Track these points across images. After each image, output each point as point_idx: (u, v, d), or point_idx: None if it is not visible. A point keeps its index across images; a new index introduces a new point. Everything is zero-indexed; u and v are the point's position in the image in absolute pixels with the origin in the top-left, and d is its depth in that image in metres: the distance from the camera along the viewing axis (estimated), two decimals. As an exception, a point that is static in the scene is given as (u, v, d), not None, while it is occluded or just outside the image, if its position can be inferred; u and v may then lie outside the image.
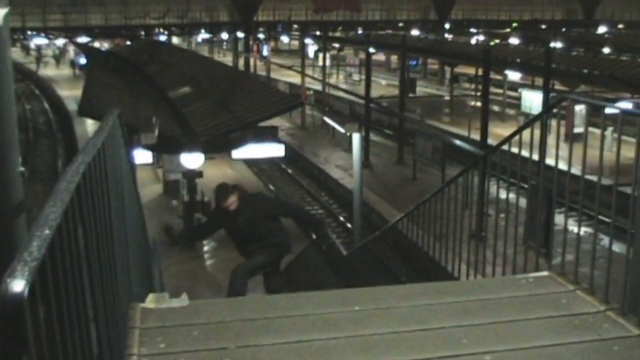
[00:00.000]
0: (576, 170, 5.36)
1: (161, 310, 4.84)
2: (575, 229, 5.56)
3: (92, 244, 2.95)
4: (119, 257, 4.00)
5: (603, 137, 5.29)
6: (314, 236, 22.07)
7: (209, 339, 4.41)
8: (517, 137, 6.32)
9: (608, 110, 5.32)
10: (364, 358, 4.18)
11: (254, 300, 5.41)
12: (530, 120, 6.40)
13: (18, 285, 1.70)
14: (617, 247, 5.25)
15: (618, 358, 4.26)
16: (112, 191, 3.86)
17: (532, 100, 36.51)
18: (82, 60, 58.98)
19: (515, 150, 6.23)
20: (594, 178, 5.13)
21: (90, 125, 36.01)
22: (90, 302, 2.74)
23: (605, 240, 5.45)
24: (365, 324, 4.64)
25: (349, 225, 25.50)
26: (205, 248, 22.56)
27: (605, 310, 4.88)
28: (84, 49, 59.55)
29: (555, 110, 6.66)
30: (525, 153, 6.10)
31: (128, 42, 62.73)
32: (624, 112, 4.90)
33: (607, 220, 5.45)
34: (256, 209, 10.40)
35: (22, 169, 3.79)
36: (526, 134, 6.24)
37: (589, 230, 6.67)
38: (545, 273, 5.64)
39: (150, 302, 4.93)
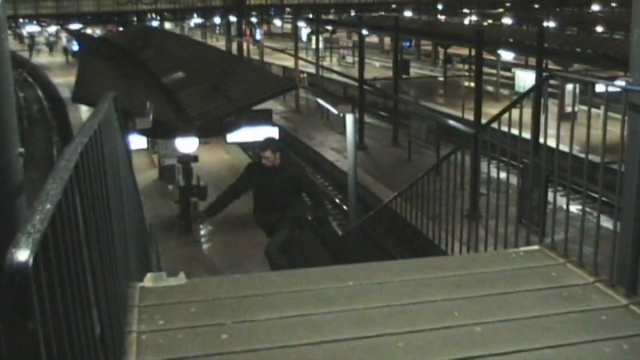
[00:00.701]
0: (567, 148, 5.44)
1: (159, 288, 4.94)
2: (567, 206, 5.65)
3: (91, 220, 3.04)
4: (117, 236, 4.09)
5: (590, 114, 5.38)
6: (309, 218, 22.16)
7: (206, 316, 4.51)
8: (508, 116, 6.41)
9: (599, 89, 5.38)
10: (358, 331, 4.28)
11: (249, 278, 5.50)
12: (517, 98, 6.49)
13: (23, 255, 1.79)
14: (607, 222, 5.35)
15: (605, 326, 4.36)
16: (109, 171, 3.95)
17: (526, 80, 36.57)
18: (75, 47, 58.88)
19: (507, 129, 6.32)
20: (584, 156, 5.22)
21: (84, 112, 36.03)
22: (90, 276, 2.83)
23: (596, 215, 5.55)
24: (359, 298, 4.74)
25: (344, 207, 25.60)
26: (202, 232, 22.65)
27: (594, 282, 4.99)
28: (76, 35, 59.41)
29: (550, 90, 6.74)
30: (517, 132, 6.19)
31: (120, 29, 62.58)
32: (625, 90, 4.96)
33: (597, 196, 5.55)
34: (294, 174, 10.45)
35: (21, 149, 3.87)
36: (521, 113, 6.31)
37: (580, 206, 6.76)
38: (536, 247, 5.75)
39: (148, 281, 5.03)
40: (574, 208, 5.65)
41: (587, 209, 5.45)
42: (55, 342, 2.05)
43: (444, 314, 4.49)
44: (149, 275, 5.11)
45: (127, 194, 5.28)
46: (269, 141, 10.49)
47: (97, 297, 3.08)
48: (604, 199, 5.50)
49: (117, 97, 5.20)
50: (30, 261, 1.79)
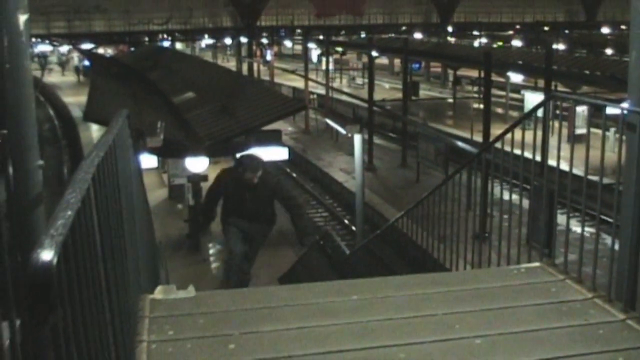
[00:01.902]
0: (576, 170, 5.58)
1: (169, 300, 5.09)
2: (572, 226, 5.78)
3: (106, 230, 3.19)
4: (129, 248, 4.24)
5: (589, 134, 5.51)
6: (317, 237, 22.30)
7: (214, 327, 4.65)
8: (517, 138, 6.52)
9: (609, 111, 5.49)
10: (361, 343, 4.42)
11: (256, 292, 5.66)
12: (520, 118, 6.63)
13: (47, 255, 1.96)
14: (608, 240, 5.47)
15: (603, 340, 4.49)
16: (122, 185, 4.11)
17: (535, 102, 36.69)
18: (86, 67, 59.34)
19: (516, 150, 6.44)
20: (593, 178, 5.37)
21: (95, 131, 36.29)
22: (104, 282, 2.99)
23: (600, 234, 5.68)
24: (362, 311, 4.88)
25: (353, 228, 25.70)
26: (211, 251, 22.78)
27: (593, 297, 5.12)
28: (88, 55, 59.89)
29: (557, 112, 6.87)
30: (525, 153, 6.33)
31: (132, 49, 63.05)
32: (622, 110, 5.11)
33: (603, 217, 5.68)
34: (271, 190, 10.71)
35: (40, 162, 4.04)
36: (530, 135, 6.42)
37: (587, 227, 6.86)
38: (536, 264, 5.88)
39: (158, 293, 5.18)
40: (579, 228, 5.75)
41: (589, 228, 5.57)
42: (73, 339, 2.20)
43: (445, 327, 4.62)
44: (159, 287, 5.26)
45: (138, 209, 5.43)
46: (256, 161, 10.58)
47: (110, 304, 3.23)
48: (605, 217, 5.64)
49: (130, 115, 5.36)
50: (55, 261, 1.95)
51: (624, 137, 5.23)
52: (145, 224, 6.66)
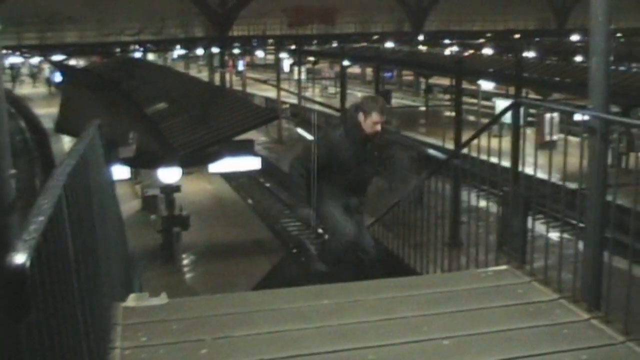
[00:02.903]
0: (547, 176, 5.69)
1: (142, 308, 5.14)
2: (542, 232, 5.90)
3: (78, 236, 3.25)
4: (101, 255, 4.30)
5: (552, 141, 5.62)
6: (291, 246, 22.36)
7: (187, 332, 4.72)
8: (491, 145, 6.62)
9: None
10: (332, 346, 4.50)
11: (229, 297, 5.74)
12: (486, 125, 6.76)
13: (21, 258, 2.03)
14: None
15: (568, 339, 4.60)
16: (94, 193, 4.17)
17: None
18: (58, 78, 59.04)
19: (486, 157, 6.54)
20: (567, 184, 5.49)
21: (67, 143, 36.15)
22: (77, 287, 3.05)
23: (564, 236, 5.79)
24: (334, 315, 4.97)
25: (327, 236, 25.70)
26: (185, 262, 22.78)
27: (558, 298, 5.24)
28: (59, 66, 59.61)
29: (530, 119, 6.98)
30: (496, 159, 6.45)
31: (105, 60, 62.88)
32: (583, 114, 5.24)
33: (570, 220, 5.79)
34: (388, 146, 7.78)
35: (13, 171, 4.09)
36: (504, 142, 6.54)
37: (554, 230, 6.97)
38: (504, 267, 6.00)
39: (131, 301, 5.23)
40: (549, 233, 5.87)
41: (556, 233, 5.68)
42: (47, 342, 2.27)
43: (415, 329, 4.72)
44: (131, 295, 5.32)
45: (111, 217, 5.49)
46: (381, 100, 7.63)
47: (83, 310, 3.29)
48: (571, 220, 5.76)
49: (102, 126, 5.42)
50: (28, 263, 2.02)
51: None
52: (118, 233, 6.70)
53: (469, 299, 5.28)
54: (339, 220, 7.67)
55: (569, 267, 5.36)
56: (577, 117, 5.05)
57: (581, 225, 5.35)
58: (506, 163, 6.93)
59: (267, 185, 35.73)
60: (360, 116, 7.27)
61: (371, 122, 7.21)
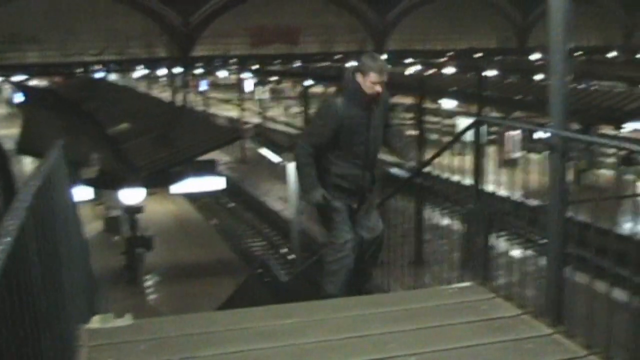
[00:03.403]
0: (508, 193, 5.77)
1: (107, 329, 5.12)
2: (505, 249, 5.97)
3: (43, 259, 3.25)
4: (66, 276, 4.29)
5: (505, 151, 5.70)
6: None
7: (154, 353, 4.71)
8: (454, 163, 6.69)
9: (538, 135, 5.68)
10: (298, 364, 4.52)
11: (194, 317, 5.72)
12: (448, 143, 6.82)
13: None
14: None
15: (531, 354, 4.66)
16: (58, 214, 4.16)
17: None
18: (19, 99, 58.54)
19: (449, 175, 6.61)
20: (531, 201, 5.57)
21: (28, 164, 35.87)
22: (42, 307, 3.04)
23: (527, 252, 5.87)
24: (299, 334, 4.98)
25: (291, 256, 25.76)
26: (149, 283, 22.67)
27: (521, 314, 5.30)
28: (20, 87, 59.16)
29: (493, 137, 7.04)
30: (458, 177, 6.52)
31: (67, 80, 62.50)
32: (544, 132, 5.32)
33: (532, 237, 5.87)
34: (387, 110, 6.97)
35: None
36: (467, 160, 6.56)
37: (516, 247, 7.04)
38: (468, 283, 6.06)
39: (96, 322, 5.20)
40: (512, 250, 5.94)
41: (519, 250, 5.75)
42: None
43: (381, 346, 4.74)
44: (96, 317, 5.29)
45: (74, 238, 5.47)
46: (381, 61, 6.67)
47: (49, 331, 3.27)
48: (531, 236, 5.83)
49: (65, 146, 5.41)
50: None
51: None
52: (82, 255, 6.67)
53: (434, 315, 5.32)
54: (338, 227, 6.72)
55: (532, 283, 5.43)
56: (538, 134, 5.14)
57: (543, 241, 5.42)
58: (469, 181, 7.04)
59: (231, 205, 35.67)
60: (359, 77, 6.55)
61: (370, 83, 6.48)
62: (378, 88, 6.47)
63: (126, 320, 5.27)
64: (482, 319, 5.24)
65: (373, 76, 6.46)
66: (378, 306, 5.58)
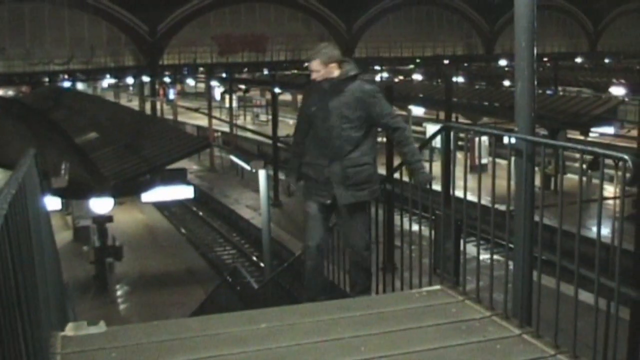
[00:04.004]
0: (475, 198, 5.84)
1: (80, 337, 5.14)
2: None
3: (18, 267, 3.27)
4: (40, 284, 4.31)
5: (473, 157, 5.78)
6: (227, 275, 22.35)
7: (127, 360, 4.74)
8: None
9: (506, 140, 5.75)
10: (270, 369, 4.58)
11: (167, 324, 5.75)
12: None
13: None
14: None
15: (500, 354, 4.75)
16: (32, 223, 4.18)
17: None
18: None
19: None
20: (499, 206, 5.64)
21: (-5, 174, 35.60)
22: (19, 317, 3.07)
23: (495, 256, 5.96)
24: (272, 339, 5.03)
25: (261, 264, 25.76)
26: (119, 293, 22.57)
27: (490, 315, 5.39)
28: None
29: (461, 143, 7.11)
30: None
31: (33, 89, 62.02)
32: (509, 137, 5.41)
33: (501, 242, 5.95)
34: (356, 92, 6.66)
35: None
36: (436, 166, 6.66)
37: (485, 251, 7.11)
38: (437, 287, 6.15)
39: (69, 330, 5.22)
40: (482, 255, 6.00)
41: (486, 255, 5.84)
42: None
43: (351, 349, 4.81)
44: (70, 324, 5.31)
45: (47, 247, 5.48)
46: (317, 48, 6.77)
47: (25, 339, 3.30)
48: (500, 241, 5.91)
49: (37, 155, 5.42)
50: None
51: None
52: (54, 263, 6.68)
53: (404, 318, 5.40)
54: (307, 225, 6.78)
55: (500, 286, 5.51)
56: (506, 140, 5.23)
57: (511, 245, 5.51)
58: (437, 187, 7.15)
59: (200, 213, 35.62)
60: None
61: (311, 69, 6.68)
62: (313, 75, 6.62)
63: (100, 327, 5.30)
64: (451, 321, 5.33)
65: (310, 64, 6.69)
66: (348, 310, 5.65)
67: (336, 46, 7.06)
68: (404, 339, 5.00)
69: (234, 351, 4.83)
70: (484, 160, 29.86)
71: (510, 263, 5.52)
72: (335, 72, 6.63)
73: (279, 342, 4.96)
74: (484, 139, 32.32)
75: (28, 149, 5.06)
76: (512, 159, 5.45)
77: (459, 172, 6.26)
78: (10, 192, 3.30)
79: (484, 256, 6.02)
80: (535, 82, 5.47)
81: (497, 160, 5.93)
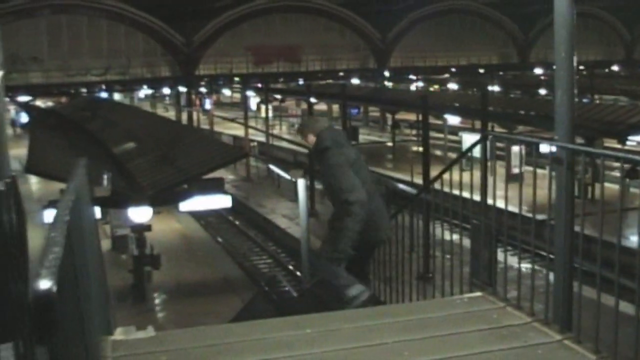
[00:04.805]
0: (514, 208, 5.90)
1: (130, 341, 5.28)
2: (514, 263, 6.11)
3: (79, 269, 3.42)
4: (93, 288, 4.45)
5: (521, 173, 5.86)
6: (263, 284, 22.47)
7: (176, 363, 4.87)
8: (450, 177, 6.85)
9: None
10: (319, 372, 4.68)
11: (213, 329, 5.90)
12: (456, 158, 6.98)
13: (47, 283, 2.21)
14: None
15: (541, 359, 4.81)
16: (86, 228, 4.33)
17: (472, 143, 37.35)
18: (23, 119, 58.75)
19: (456, 191, 6.76)
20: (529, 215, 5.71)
21: (34, 184, 36.08)
22: (76, 316, 3.21)
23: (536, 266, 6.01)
24: (316, 344, 5.14)
25: (298, 273, 25.83)
26: (157, 301, 22.77)
27: (531, 321, 5.46)
28: (25, 107, 59.36)
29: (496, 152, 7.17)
30: (465, 193, 6.67)
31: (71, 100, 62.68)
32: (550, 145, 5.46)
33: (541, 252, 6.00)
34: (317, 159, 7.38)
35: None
36: (469, 175, 6.73)
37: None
38: (478, 293, 6.22)
39: (119, 334, 5.37)
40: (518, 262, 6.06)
41: (527, 264, 5.90)
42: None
43: (395, 354, 4.90)
44: (119, 329, 5.46)
45: (95, 253, 5.64)
46: (307, 122, 7.72)
47: (82, 339, 3.43)
48: (541, 252, 5.97)
49: (87, 165, 5.58)
50: (54, 288, 2.20)
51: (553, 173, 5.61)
52: (100, 269, 6.83)
53: (445, 324, 5.48)
54: None
55: (540, 294, 5.57)
56: (543, 149, 5.29)
57: (551, 256, 5.56)
58: (474, 196, 7.21)
59: (236, 223, 35.80)
60: None
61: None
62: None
63: (148, 332, 5.44)
64: (492, 327, 5.40)
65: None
66: (390, 316, 5.74)
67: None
68: (446, 344, 5.08)
69: (280, 355, 4.94)
70: (516, 170, 29.79)
71: (550, 274, 5.58)
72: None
73: (323, 347, 5.07)
74: (519, 148, 32.31)
75: (80, 159, 5.21)
76: (548, 167, 5.51)
77: (496, 181, 6.33)
78: (70, 200, 3.45)
79: (524, 265, 6.06)
80: (575, 91, 5.55)
81: (531, 168, 6.00)
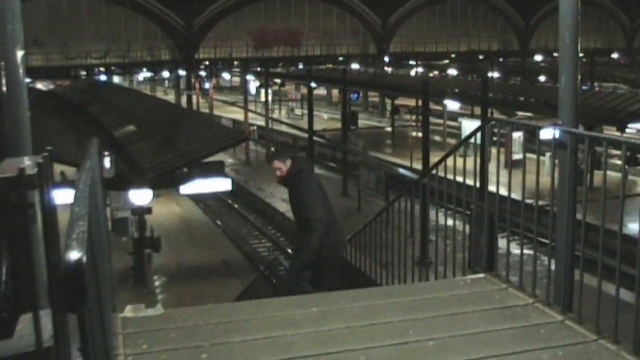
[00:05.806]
0: (514, 194, 6.00)
1: (139, 318, 5.39)
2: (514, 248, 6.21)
3: (96, 243, 3.52)
4: (105, 265, 4.56)
5: (525, 159, 5.94)
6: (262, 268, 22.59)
7: (185, 340, 4.97)
8: (455, 164, 6.90)
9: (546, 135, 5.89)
10: (324, 349, 4.79)
11: (222, 307, 6.00)
12: (458, 144, 7.06)
13: (77, 254, 2.30)
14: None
15: (544, 339, 4.92)
16: (100, 205, 4.43)
17: (472, 129, 37.42)
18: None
19: (453, 176, 6.84)
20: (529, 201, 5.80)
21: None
22: (94, 292, 3.30)
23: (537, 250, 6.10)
24: (323, 322, 5.25)
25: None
26: (157, 284, 22.88)
27: (534, 302, 5.57)
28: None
29: (495, 138, 7.25)
30: (465, 179, 6.76)
31: (71, 83, 62.71)
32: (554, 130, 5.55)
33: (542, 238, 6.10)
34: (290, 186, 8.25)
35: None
36: (470, 162, 6.85)
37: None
38: (481, 275, 6.32)
39: (129, 312, 5.47)
40: (518, 250, 6.14)
41: (528, 251, 6.00)
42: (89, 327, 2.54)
43: (400, 332, 5.01)
44: (128, 307, 5.56)
45: (105, 232, 5.73)
46: (280, 150, 8.79)
47: (96, 315, 3.53)
48: (543, 240, 6.07)
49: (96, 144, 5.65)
50: (84, 258, 2.30)
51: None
52: (107, 247, 6.93)
53: (449, 304, 5.59)
54: None
55: (543, 276, 5.67)
56: (543, 135, 5.33)
57: (553, 244, 5.64)
58: (473, 182, 7.31)
59: (236, 207, 35.90)
60: None
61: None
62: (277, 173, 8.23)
63: (157, 310, 5.54)
64: (495, 307, 5.51)
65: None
66: (394, 297, 5.86)
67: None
68: (451, 324, 5.18)
69: (288, 333, 5.05)
70: (520, 156, 29.86)
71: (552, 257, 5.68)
72: None
73: (330, 324, 5.17)
74: (518, 135, 32.40)
75: (92, 138, 5.29)
76: (548, 155, 5.59)
77: (493, 167, 6.41)
78: (88, 176, 3.54)
79: (526, 252, 6.14)
80: (579, 78, 5.63)
81: (530, 155, 6.09)
